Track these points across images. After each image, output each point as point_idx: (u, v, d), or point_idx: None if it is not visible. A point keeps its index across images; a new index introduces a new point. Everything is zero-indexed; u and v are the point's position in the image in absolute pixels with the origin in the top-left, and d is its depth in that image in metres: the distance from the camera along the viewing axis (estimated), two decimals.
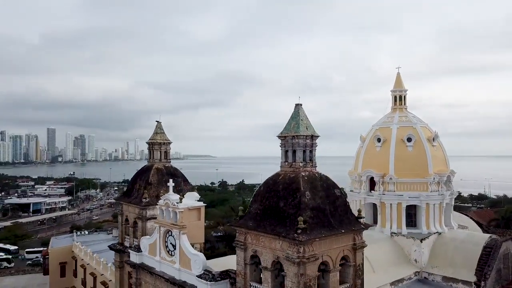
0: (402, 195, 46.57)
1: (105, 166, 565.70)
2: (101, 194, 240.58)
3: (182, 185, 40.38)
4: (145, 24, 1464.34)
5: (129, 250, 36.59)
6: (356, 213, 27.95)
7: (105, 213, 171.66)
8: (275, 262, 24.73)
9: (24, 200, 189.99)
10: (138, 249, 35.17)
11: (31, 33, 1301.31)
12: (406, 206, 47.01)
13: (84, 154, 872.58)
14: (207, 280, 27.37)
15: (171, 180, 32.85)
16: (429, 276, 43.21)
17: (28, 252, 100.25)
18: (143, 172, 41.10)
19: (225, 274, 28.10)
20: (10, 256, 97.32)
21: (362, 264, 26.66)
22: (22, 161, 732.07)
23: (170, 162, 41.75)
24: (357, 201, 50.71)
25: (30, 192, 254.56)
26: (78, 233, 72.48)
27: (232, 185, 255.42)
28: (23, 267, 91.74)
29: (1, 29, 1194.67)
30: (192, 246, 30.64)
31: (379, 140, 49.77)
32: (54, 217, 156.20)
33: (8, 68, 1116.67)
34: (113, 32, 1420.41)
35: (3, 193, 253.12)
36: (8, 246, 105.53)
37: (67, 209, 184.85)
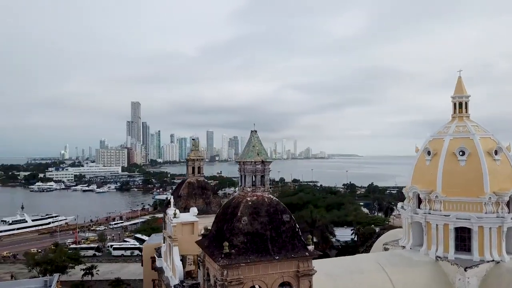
0: (449, 216, 41.73)
1: None
2: (236, 193, 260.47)
3: (211, 198, 44.20)
4: (287, 28, 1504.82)
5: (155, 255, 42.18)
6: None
7: None
8: (215, 281, 26.60)
9: (169, 196, 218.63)
10: (159, 254, 40.37)
11: (189, 47, 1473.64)
12: (460, 228, 41.99)
13: (237, 154, 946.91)
14: None
15: (172, 196, 36.96)
16: None
17: None
18: (178, 186, 46.27)
19: (196, 287, 30.87)
20: (142, 246, 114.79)
21: None
22: (185, 160, 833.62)
23: (203, 176, 45.87)
24: (405, 219, 47.18)
25: None
26: None
27: (362, 187, 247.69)
28: None
29: (166, 46, 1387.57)
30: (186, 257, 34.16)
31: (429, 153, 45.36)
32: None
33: (173, 79, 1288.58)
34: (259, 39, 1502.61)
35: (160, 189, 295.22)
36: (144, 237, 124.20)
37: None
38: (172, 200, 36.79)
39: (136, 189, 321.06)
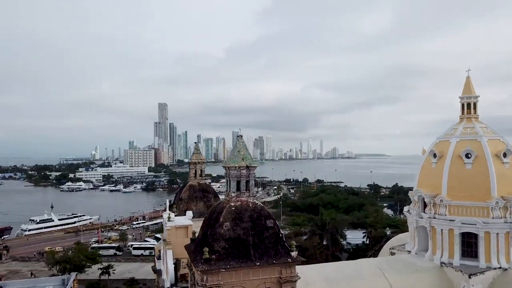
0: (454, 220, 40.34)
1: (278, 165, 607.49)
2: (260, 193, 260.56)
3: (212, 201, 44.36)
4: (313, 26, 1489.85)
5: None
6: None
7: None
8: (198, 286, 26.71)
9: None
10: (159, 256, 40.91)
11: (216, 48, 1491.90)
12: (466, 233, 40.55)
13: (263, 154, 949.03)
14: None
15: (167, 200, 37.36)
16: None
17: None
18: (180, 189, 46.68)
19: None
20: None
21: None
22: (213, 160, 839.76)
23: (205, 179, 46.14)
24: (410, 224, 46.02)
25: None
26: None
27: (387, 187, 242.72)
28: None
29: (194, 48, 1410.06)
30: (180, 261, 34.47)
31: (435, 155, 44.04)
32: None
33: (201, 80, 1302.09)
34: (285, 38, 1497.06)
35: None
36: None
37: None
38: (167, 203, 37.24)
39: (161, 189, 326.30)
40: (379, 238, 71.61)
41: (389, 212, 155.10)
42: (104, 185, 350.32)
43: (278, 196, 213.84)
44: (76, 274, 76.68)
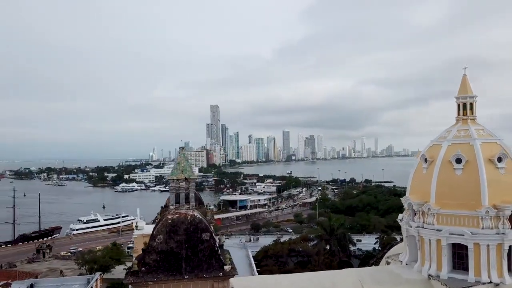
0: (441, 230, 37.61)
1: (330, 164, 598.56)
2: (303, 193, 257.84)
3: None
4: (363, 21, 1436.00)
5: None
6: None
7: (292, 213, 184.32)
8: None
9: (233, 197, 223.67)
10: None
11: (265, 49, 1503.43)
12: (457, 244, 37.72)
13: (314, 153, 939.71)
14: None
15: (138, 209, 38.11)
16: None
17: None
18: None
19: None
20: None
21: None
22: (263, 160, 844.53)
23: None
24: (403, 232, 43.50)
25: (251, 189, 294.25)
26: None
27: None
28: None
29: (243, 49, 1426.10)
30: None
31: (426, 160, 41.35)
32: (248, 214, 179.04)
33: (251, 80, 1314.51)
34: (333, 35, 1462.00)
35: (230, 189, 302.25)
36: None
37: (266, 207, 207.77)
38: (138, 211, 38.05)
39: (208, 189, 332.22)
40: (388, 244, 68.29)
41: None
42: (155, 185, 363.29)
43: (319, 197, 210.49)
44: (100, 274, 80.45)
